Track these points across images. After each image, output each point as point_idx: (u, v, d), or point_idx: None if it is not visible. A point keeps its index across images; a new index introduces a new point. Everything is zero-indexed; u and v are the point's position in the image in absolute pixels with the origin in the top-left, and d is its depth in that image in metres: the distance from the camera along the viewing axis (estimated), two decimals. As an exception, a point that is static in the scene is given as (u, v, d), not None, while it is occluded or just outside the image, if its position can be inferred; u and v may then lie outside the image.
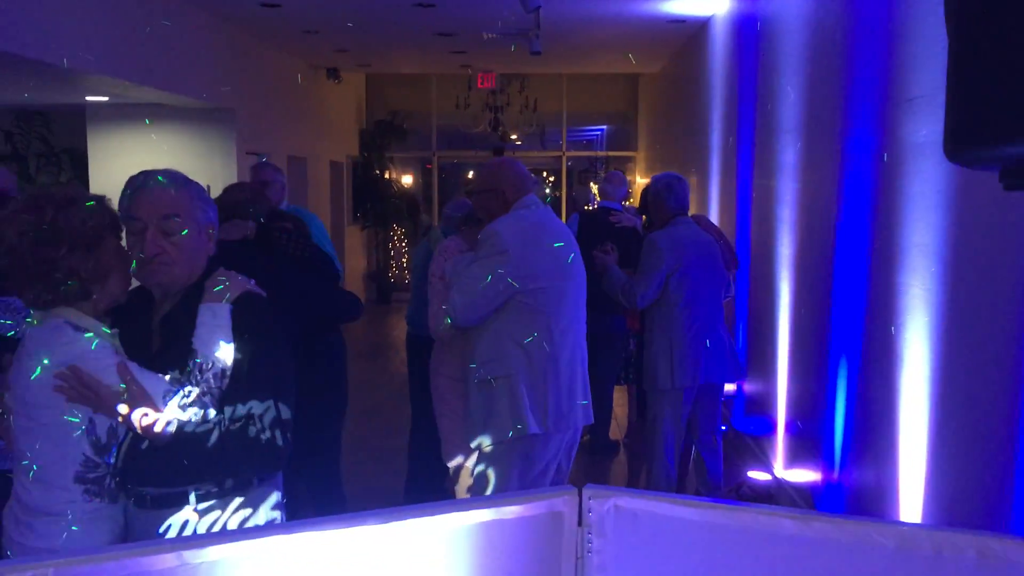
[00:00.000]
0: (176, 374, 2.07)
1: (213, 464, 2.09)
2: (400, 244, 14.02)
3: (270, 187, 4.95)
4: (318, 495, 4.20)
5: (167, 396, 2.03)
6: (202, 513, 2.12)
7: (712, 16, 8.04)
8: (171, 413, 2.04)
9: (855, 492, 4.10)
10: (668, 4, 7.75)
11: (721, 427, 4.85)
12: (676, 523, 1.54)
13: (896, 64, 3.64)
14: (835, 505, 4.33)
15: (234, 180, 7.56)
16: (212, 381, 2.06)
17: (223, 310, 2.10)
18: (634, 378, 6.22)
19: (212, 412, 2.07)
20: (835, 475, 4.32)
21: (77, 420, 2.04)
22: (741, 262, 6.57)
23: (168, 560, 1.45)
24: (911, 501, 3.41)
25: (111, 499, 2.10)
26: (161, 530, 2.12)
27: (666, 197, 4.67)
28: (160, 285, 2.17)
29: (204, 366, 2.06)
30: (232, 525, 2.14)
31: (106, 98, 7.77)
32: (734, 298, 5.99)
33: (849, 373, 4.11)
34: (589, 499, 1.61)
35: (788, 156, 5.29)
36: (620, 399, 7.13)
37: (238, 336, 2.10)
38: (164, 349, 2.14)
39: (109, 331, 2.12)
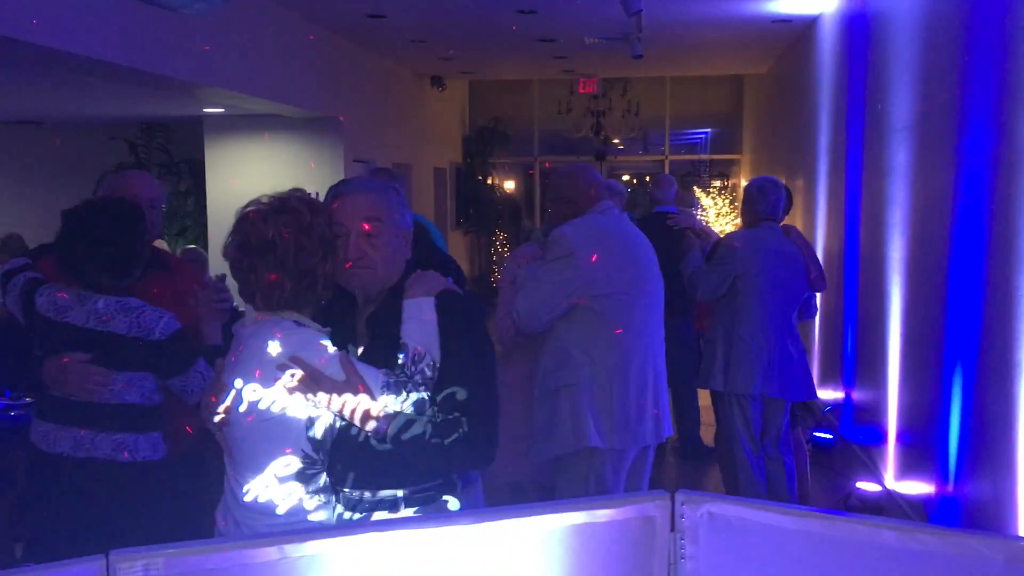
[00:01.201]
0: (388, 369, 2.08)
1: (416, 464, 2.07)
2: (502, 249, 14.12)
3: None
4: None
5: (385, 388, 2.03)
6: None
7: (820, 15, 7.84)
8: (389, 405, 2.03)
9: (971, 506, 3.92)
10: (774, 4, 7.60)
11: (790, 443, 4.60)
12: (771, 531, 1.51)
13: (1015, 59, 3.48)
14: (950, 519, 4.15)
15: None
16: (426, 372, 2.06)
17: (428, 304, 2.11)
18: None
19: (427, 403, 2.06)
20: (950, 488, 4.14)
21: (297, 416, 2.05)
22: (848, 267, 6.38)
23: (270, 553, 1.51)
24: (1031, 517, 3.24)
25: (328, 496, 2.12)
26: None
27: (756, 200, 4.54)
28: (362, 288, 2.19)
29: (416, 358, 2.06)
30: None
31: (221, 109, 8.09)
32: (814, 319, 5.67)
33: (964, 381, 3.94)
34: (682, 504, 1.59)
35: (900, 157, 5.11)
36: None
37: (441, 332, 2.09)
38: (371, 348, 2.16)
39: (326, 331, 2.14)
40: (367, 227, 2.13)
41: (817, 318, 7.36)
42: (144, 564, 1.46)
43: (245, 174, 8.51)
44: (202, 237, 9.01)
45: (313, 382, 2.00)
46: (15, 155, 10.74)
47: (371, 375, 2.05)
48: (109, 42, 5.08)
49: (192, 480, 2.99)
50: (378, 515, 2.10)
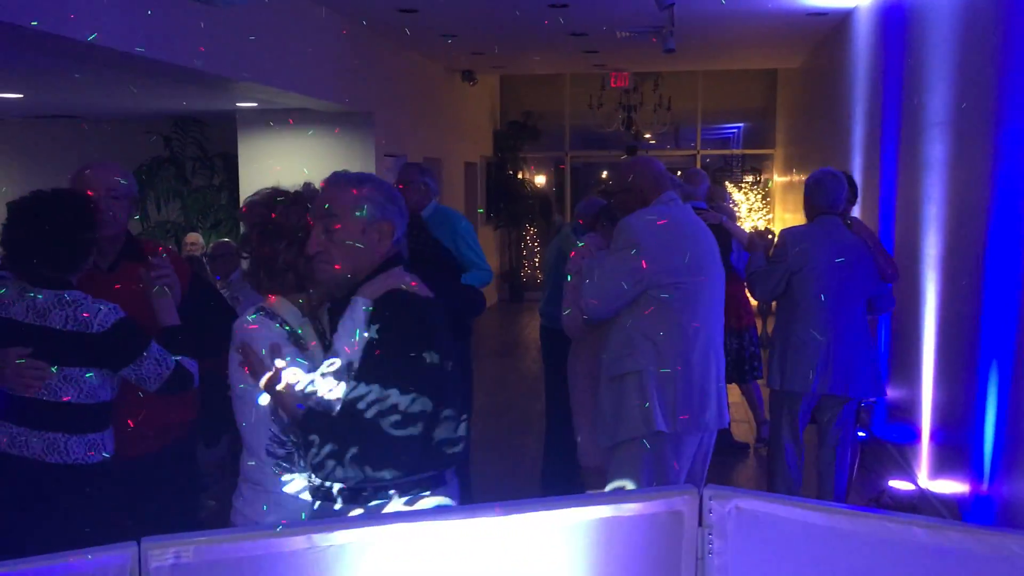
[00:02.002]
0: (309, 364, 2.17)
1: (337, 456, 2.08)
2: (533, 244, 14.11)
3: (410, 188, 5.03)
4: None
5: (299, 383, 2.12)
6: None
7: (855, 8, 7.75)
8: (292, 395, 2.12)
9: (1007, 505, 3.87)
10: (808, -4, 7.52)
11: (848, 440, 4.47)
12: (800, 527, 1.50)
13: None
14: (984, 518, 4.10)
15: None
16: (335, 376, 2.09)
17: (359, 304, 2.13)
18: (737, 377, 6.07)
19: (335, 403, 2.10)
20: (984, 487, 4.09)
21: (258, 394, 2.18)
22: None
23: (299, 542, 1.52)
24: (1068, 517, 3.19)
25: (302, 475, 2.21)
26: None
27: (814, 193, 4.40)
28: (325, 282, 2.20)
29: (329, 357, 2.12)
30: None
31: (255, 104, 8.15)
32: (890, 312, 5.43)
33: (1000, 379, 3.88)
34: (710, 499, 1.58)
35: (936, 151, 5.04)
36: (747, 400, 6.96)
37: (379, 331, 2.09)
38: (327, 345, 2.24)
39: (303, 320, 2.27)
40: (325, 221, 2.17)
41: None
42: (175, 551, 1.48)
43: (278, 167, 8.57)
44: (235, 230, 9.09)
45: (251, 366, 2.15)
46: (51, 150, 10.90)
47: (294, 368, 2.14)
48: (143, 37, 5.14)
49: (154, 484, 2.95)
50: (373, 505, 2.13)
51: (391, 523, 1.59)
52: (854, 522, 1.49)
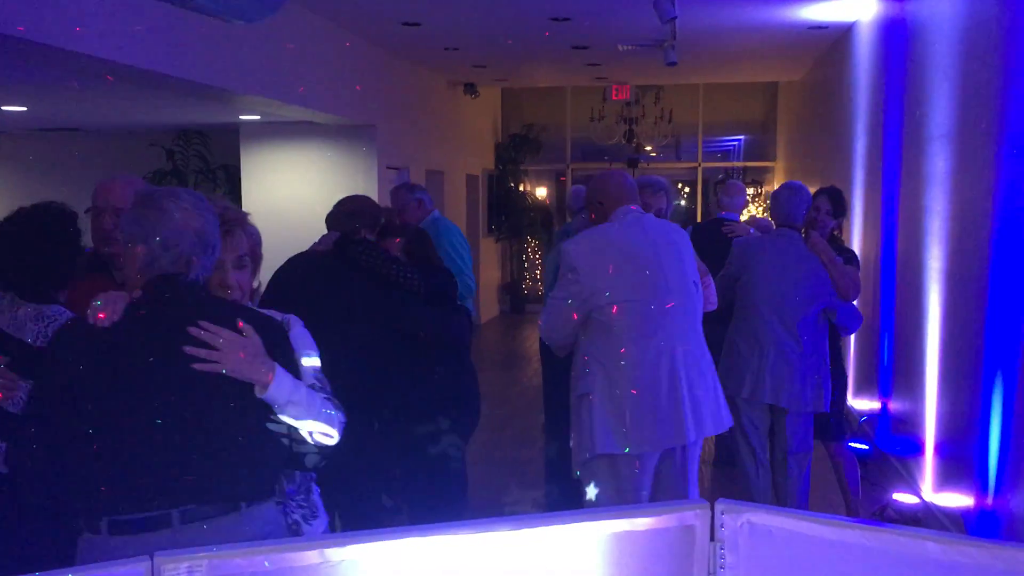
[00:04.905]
0: None
1: None
2: (534, 256, 14.13)
3: (407, 210, 5.15)
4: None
5: None
6: None
7: (856, 22, 7.78)
8: None
9: (1012, 518, 3.86)
10: (809, 10, 7.54)
11: (800, 454, 4.44)
12: (812, 542, 1.50)
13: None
14: (989, 532, 4.09)
15: (374, 193, 7.82)
16: None
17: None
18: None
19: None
20: (989, 500, 4.08)
21: None
22: (885, 276, 6.31)
23: (311, 557, 1.52)
24: (1074, 530, 3.19)
25: None
26: None
27: (773, 207, 4.57)
28: None
29: None
30: None
31: (257, 117, 8.18)
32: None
33: (1005, 390, 3.89)
34: (722, 514, 1.58)
35: (938, 164, 5.05)
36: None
37: None
38: None
39: None
40: None
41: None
42: (188, 566, 1.48)
43: (280, 180, 8.60)
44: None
45: None
46: (53, 162, 10.92)
47: None
48: (147, 50, 5.16)
49: None
50: None
51: (403, 537, 1.59)
52: (866, 536, 1.49)
